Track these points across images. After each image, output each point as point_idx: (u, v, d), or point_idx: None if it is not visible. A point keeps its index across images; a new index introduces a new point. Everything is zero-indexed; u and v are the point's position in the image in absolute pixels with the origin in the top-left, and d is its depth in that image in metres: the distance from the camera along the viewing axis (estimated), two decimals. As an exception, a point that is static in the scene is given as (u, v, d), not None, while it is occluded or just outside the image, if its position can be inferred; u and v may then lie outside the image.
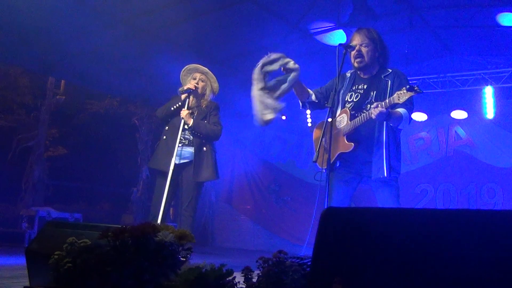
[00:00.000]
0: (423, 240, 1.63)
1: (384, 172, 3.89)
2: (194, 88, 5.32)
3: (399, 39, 7.49)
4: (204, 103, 5.43)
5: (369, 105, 4.02)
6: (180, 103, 5.31)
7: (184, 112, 5.20)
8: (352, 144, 4.01)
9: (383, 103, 3.77)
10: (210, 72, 5.49)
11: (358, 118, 3.99)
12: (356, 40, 4.14)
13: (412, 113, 4.06)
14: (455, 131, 9.58)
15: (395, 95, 3.75)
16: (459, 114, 9.12)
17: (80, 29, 7.89)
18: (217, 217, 12.12)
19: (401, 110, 3.91)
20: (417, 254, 1.61)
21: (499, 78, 8.72)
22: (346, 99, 4.22)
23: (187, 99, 5.31)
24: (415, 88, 3.67)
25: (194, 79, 5.42)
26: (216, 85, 5.52)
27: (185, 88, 5.34)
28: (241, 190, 11.98)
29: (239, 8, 7.52)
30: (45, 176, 12.34)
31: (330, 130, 3.86)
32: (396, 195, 4.03)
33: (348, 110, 4.11)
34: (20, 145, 12.83)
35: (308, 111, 10.09)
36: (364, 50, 4.11)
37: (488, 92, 8.77)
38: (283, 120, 10.95)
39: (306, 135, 9.50)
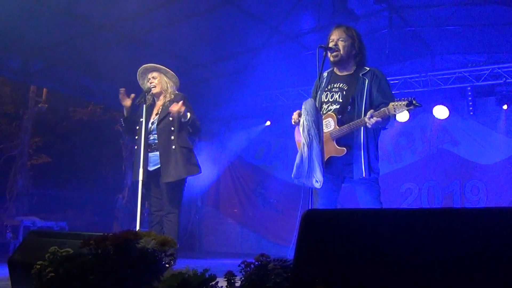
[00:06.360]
0: (404, 240, 1.64)
1: (363, 173, 3.91)
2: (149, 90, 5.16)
3: (380, 39, 7.53)
4: (167, 98, 5.21)
5: (355, 111, 4.01)
6: (139, 101, 5.10)
7: (176, 107, 4.89)
8: (344, 149, 3.99)
9: (377, 113, 3.78)
10: (162, 67, 5.27)
11: (352, 124, 3.97)
12: (335, 35, 4.17)
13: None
14: (438, 129, 9.65)
15: (390, 106, 3.75)
16: (441, 112, 9.17)
17: (61, 36, 7.85)
18: (204, 221, 12.06)
19: (386, 110, 3.92)
20: (399, 254, 1.62)
21: (479, 76, 8.81)
22: (322, 100, 4.21)
23: (144, 100, 5.12)
24: (414, 103, 3.67)
25: (148, 80, 5.30)
26: (171, 75, 5.24)
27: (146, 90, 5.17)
28: (227, 194, 11.94)
29: (220, 12, 7.51)
30: (29, 185, 12.25)
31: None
32: (376, 196, 4.03)
33: (334, 115, 4.09)
34: (3, 155, 12.71)
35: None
36: (341, 44, 4.12)
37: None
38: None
39: (291, 137, 9.47)
